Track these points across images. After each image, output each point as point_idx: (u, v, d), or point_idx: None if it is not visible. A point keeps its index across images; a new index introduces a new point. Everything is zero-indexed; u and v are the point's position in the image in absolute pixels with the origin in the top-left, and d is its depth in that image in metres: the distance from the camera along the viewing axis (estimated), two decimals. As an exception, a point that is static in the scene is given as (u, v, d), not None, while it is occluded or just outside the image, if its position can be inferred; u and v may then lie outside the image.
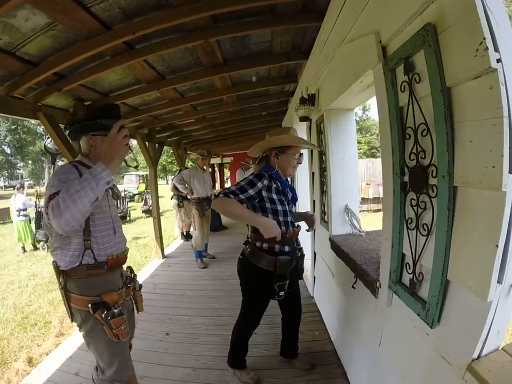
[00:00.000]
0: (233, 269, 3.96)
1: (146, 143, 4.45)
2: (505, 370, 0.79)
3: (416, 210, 1.07)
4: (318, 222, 1.69)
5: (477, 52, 0.74)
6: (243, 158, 7.40)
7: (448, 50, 0.85)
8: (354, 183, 2.29)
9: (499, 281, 0.78)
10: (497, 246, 0.75)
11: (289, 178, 1.88)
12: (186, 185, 4.08)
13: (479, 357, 0.83)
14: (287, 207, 1.69)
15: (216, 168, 12.40)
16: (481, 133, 0.78)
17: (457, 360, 0.87)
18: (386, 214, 1.31)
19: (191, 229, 4.73)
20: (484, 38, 0.71)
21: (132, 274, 1.48)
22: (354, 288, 1.82)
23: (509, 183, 0.72)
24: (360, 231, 2.23)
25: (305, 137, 2.95)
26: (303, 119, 2.58)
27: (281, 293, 1.68)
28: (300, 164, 1.75)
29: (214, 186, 6.62)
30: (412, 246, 1.10)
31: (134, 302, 1.49)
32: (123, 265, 1.43)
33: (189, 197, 4.21)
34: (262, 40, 2.33)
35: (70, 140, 2.28)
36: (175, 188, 4.35)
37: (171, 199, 5.37)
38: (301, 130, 3.50)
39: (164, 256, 4.63)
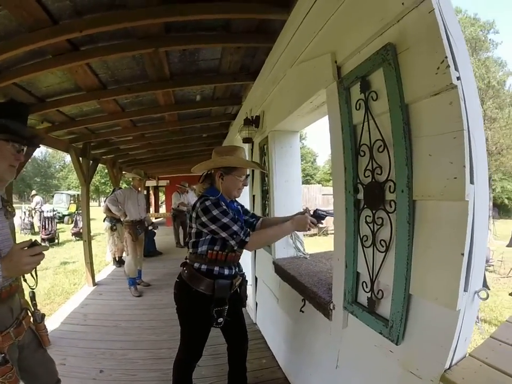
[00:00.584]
0: (170, 297, 3.62)
1: (80, 158, 4.16)
2: (479, 375, 0.80)
3: (372, 227, 1.08)
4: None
5: (438, 69, 0.79)
6: (179, 181, 7.17)
7: (407, 68, 0.91)
8: (298, 205, 2.31)
9: (465, 289, 0.79)
10: (462, 254, 0.77)
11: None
12: (120, 206, 3.79)
13: (450, 366, 0.82)
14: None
15: (151, 191, 11.84)
16: (441, 146, 0.83)
17: (428, 374, 0.85)
18: (338, 233, 1.31)
19: (124, 254, 4.49)
20: (446, 57, 0.77)
21: (32, 302, 1.29)
22: (302, 312, 1.76)
23: (470, 193, 0.75)
24: (304, 254, 2.22)
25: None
26: (246, 140, 2.57)
27: (220, 320, 1.54)
28: (246, 186, 1.68)
29: (148, 210, 6.23)
30: (369, 264, 1.10)
31: (38, 336, 1.30)
32: (15, 296, 1.20)
33: (122, 220, 3.93)
34: (212, 58, 2.31)
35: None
36: (108, 210, 4.06)
37: (103, 221, 4.99)
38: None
39: (94, 283, 4.30)
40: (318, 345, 1.59)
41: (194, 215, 1.49)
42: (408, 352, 0.93)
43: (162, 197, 15.10)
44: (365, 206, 1.11)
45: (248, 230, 1.49)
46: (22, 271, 1.02)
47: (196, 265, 1.53)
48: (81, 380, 2.10)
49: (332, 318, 1.35)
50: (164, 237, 7.89)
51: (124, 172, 6.17)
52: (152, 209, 12.06)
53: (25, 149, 1.17)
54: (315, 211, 1.61)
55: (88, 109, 2.97)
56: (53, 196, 18.37)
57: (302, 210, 1.70)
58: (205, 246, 1.50)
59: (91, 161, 4.39)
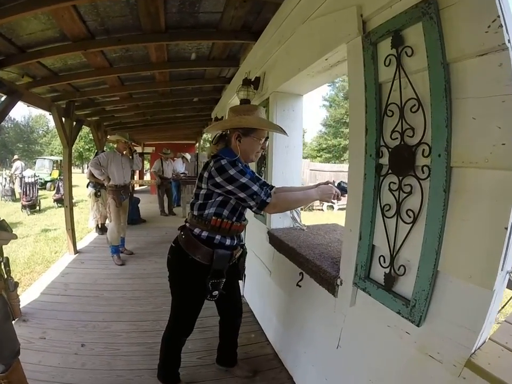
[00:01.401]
0: (154, 266, 3.65)
1: (63, 118, 3.86)
2: (503, 360, 0.78)
3: (397, 196, 1.01)
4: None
5: (489, 28, 0.72)
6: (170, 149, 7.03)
7: (451, 24, 0.81)
8: (298, 173, 2.24)
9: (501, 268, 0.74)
10: (506, 228, 0.71)
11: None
12: (103, 170, 3.58)
13: (474, 351, 0.79)
14: None
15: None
16: (488, 110, 0.75)
17: (451, 358, 0.82)
18: (353, 201, 1.24)
19: (107, 221, 4.32)
20: (498, 16, 0.69)
21: (6, 269, 1.26)
22: (299, 286, 1.74)
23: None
24: (301, 225, 2.17)
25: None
26: (244, 101, 2.41)
27: (215, 293, 1.48)
28: (264, 150, 1.56)
29: (132, 176, 6.09)
30: (390, 237, 1.04)
31: (8, 305, 1.25)
32: None
33: (105, 184, 3.73)
34: (213, 10, 2.07)
35: None
36: (91, 175, 3.85)
37: (87, 186, 4.80)
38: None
39: (76, 251, 4.19)
40: (316, 322, 1.58)
41: (206, 174, 1.36)
42: (429, 335, 0.89)
43: (146, 165, 14.87)
44: (390, 172, 1.03)
45: (269, 190, 1.39)
46: None
47: (196, 230, 1.43)
48: (62, 354, 2.01)
49: (337, 295, 1.32)
50: (148, 204, 7.75)
51: (108, 136, 5.90)
52: (136, 177, 11.88)
53: None
54: (339, 183, 1.54)
55: (73, 62, 2.68)
56: (35, 162, 17.91)
57: (321, 182, 1.57)
58: (212, 209, 1.39)
59: (74, 122, 4.13)
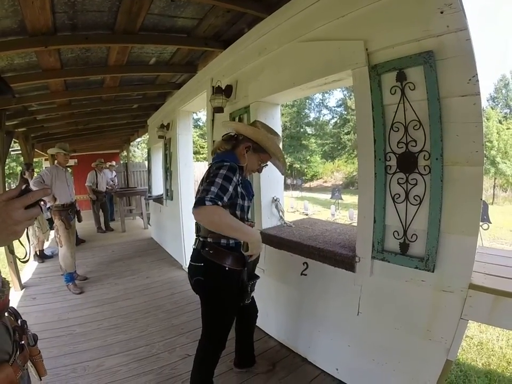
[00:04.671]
0: (115, 289, 3.90)
1: None
2: (489, 280, 1.45)
3: (405, 187, 1.64)
4: None
5: (470, 81, 1.38)
6: (90, 161, 7.17)
7: (444, 72, 1.46)
8: (281, 177, 2.74)
9: (478, 224, 1.43)
10: (481, 199, 1.40)
11: None
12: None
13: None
14: (249, 202, 1.80)
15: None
16: (466, 131, 1.43)
17: (458, 286, 1.48)
18: (364, 195, 1.84)
19: (44, 246, 4.39)
20: (476, 74, 1.36)
21: (19, 321, 1.04)
22: (305, 275, 2.26)
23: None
24: (288, 223, 2.70)
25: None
26: (217, 109, 2.78)
27: (252, 294, 1.82)
28: (259, 172, 1.90)
29: None
30: (401, 216, 1.66)
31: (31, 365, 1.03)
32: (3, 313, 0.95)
33: (48, 205, 3.65)
34: (195, 16, 2.41)
35: None
36: None
37: None
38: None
39: (22, 287, 4.02)
40: (330, 301, 2.11)
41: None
42: (440, 277, 1.54)
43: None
44: (398, 171, 1.66)
45: (220, 202, 1.43)
46: (12, 233, 0.75)
47: (223, 241, 1.66)
48: None
49: (356, 270, 1.90)
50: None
51: (48, 150, 5.60)
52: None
53: None
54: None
55: (21, 62, 2.60)
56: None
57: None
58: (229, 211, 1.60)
59: (5, 134, 3.83)
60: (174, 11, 2.30)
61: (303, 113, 33.07)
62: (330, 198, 14.81)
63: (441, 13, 1.43)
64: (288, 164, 29.24)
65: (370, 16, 1.72)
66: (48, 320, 3.06)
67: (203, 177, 1.69)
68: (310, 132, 32.94)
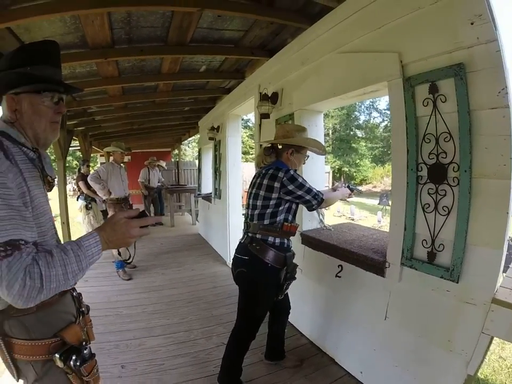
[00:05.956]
0: (163, 278, 4.33)
1: None
2: None
3: (435, 197, 1.73)
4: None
5: (499, 93, 1.44)
6: (143, 158, 7.92)
7: (474, 85, 1.53)
8: (322, 180, 2.93)
9: (505, 237, 1.50)
10: (507, 213, 1.46)
11: None
12: (104, 184, 4.01)
13: (495, 292, 1.53)
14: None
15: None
16: (495, 144, 1.49)
17: (481, 299, 1.54)
18: (397, 204, 1.96)
19: None
20: (506, 86, 1.42)
21: (75, 292, 1.27)
22: (339, 277, 2.42)
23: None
24: (327, 226, 2.87)
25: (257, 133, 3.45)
26: (264, 116, 3.05)
27: (286, 291, 2.10)
28: (304, 164, 2.23)
29: None
30: (430, 226, 1.76)
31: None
32: None
33: (104, 198, 4.15)
34: (240, 29, 2.69)
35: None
36: (87, 188, 4.49)
37: (77, 199, 5.26)
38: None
39: None
40: (360, 304, 2.25)
41: (277, 184, 1.89)
42: (464, 288, 1.61)
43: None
44: (428, 181, 1.76)
45: (320, 193, 1.99)
46: (125, 243, 1.04)
47: (270, 239, 1.95)
48: (105, 380, 2.10)
49: (386, 275, 2.02)
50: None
51: (102, 146, 6.60)
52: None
53: (64, 97, 1.14)
54: (348, 186, 2.31)
55: (82, 70, 3.07)
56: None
57: (336, 185, 2.36)
58: (282, 215, 1.96)
59: (66, 133, 4.46)
60: (221, 24, 2.58)
61: (353, 116, 32.42)
62: (378, 203, 14.38)
63: (472, 24, 1.50)
64: (337, 167, 29.43)
65: (404, 28, 1.83)
66: (98, 301, 3.50)
67: (254, 182, 2.04)
68: (360, 135, 32.22)
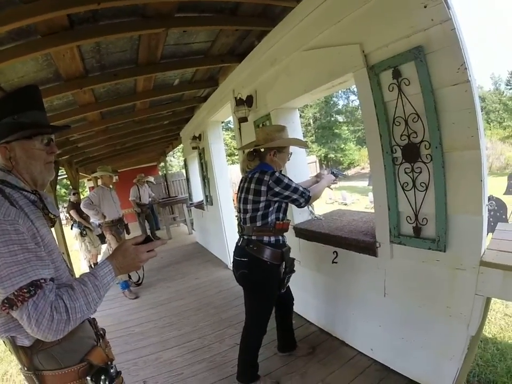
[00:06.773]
0: (168, 291, 4.32)
1: None
2: (499, 257, 1.58)
3: (412, 175, 1.81)
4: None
5: (459, 69, 1.51)
6: (131, 176, 7.90)
7: (434, 65, 1.61)
8: (306, 173, 3.00)
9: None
10: (481, 180, 1.54)
11: None
12: (97, 209, 4.05)
13: (481, 255, 1.61)
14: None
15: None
16: (461, 118, 1.56)
17: (470, 264, 1.62)
18: (377, 186, 2.03)
19: (98, 259, 4.89)
20: (464, 62, 1.49)
21: (90, 318, 1.31)
22: (336, 262, 2.49)
23: (482, 144, 1.53)
24: (317, 216, 2.94)
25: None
26: (242, 119, 3.09)
27: (287, 284, 2.18)
28: (289, 160, 2.26)
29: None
30: (411, 202, 1.84)
31: None
32: None
33: (98, 222, 4.22)
34: (207, 40, 2.74)
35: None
36: (79, 215, 4.57)
37: (71, 228, 5.34)
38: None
39: None
40: (360, 284, 2.32)
41: (264, 188, 1.94)
42: (452, 255, 1.69)
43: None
44: (403, 161, 1.83)
45: (307, 191, 2.04)
46: (135, 268, 1.14)
47: (266, 239, 2.02)
48: None
49: (378, 255, 2.09)
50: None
51: (90, 172, 6.57)
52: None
53: (53, 137, 1.16)
54: (332, 172, 2.38)
55: (59, 102, 3.10)
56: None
57: (319, 172, 2.44)
58: (273, 215, 2.03)
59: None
60: (188, 38, 2.64)
61: (332, 102, 32.71)
62: (368, 185, 14.61)
63: (425, 7, 1.56)
64: (323, 155, 29.68)
65: (362, 19, 1.90)
66: (109, 324, 3.48)
67: (241, 187, 2.08)
68: (341, 120, 32.61)
